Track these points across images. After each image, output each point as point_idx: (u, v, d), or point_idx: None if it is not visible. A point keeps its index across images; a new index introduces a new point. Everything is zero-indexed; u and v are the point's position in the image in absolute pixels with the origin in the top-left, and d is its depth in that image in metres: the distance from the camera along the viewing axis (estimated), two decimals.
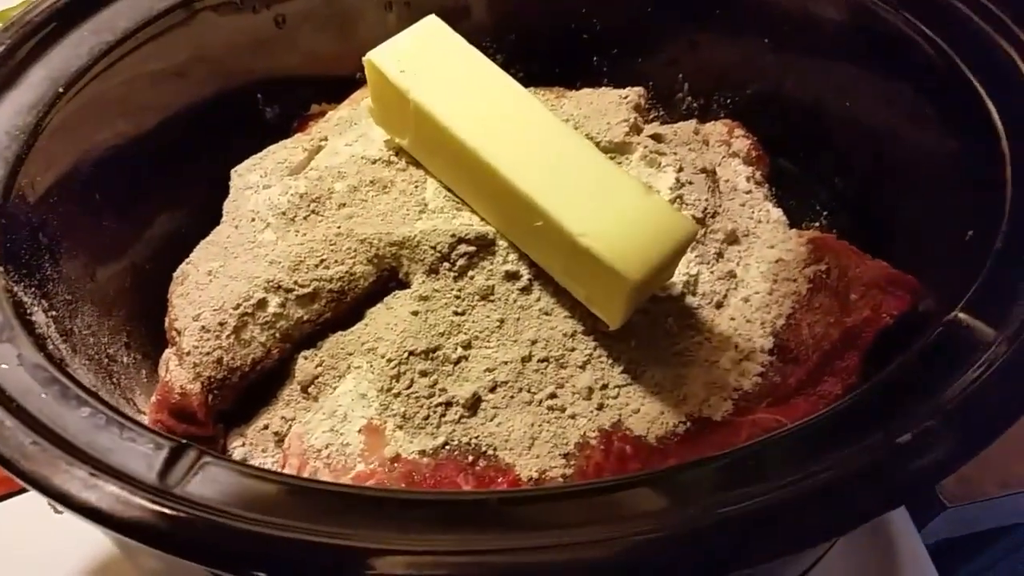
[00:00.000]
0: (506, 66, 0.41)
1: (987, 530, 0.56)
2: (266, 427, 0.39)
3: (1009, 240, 0.35)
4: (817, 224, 0.50)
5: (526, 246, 0.39)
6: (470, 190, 0.40)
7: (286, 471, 0.36)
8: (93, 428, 0.28)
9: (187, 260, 0.42)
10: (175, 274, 0.41)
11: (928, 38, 0.42)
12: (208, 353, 0.37)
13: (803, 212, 0.50)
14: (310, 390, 0.39)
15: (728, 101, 0.52)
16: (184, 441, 0.28)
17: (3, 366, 0.30)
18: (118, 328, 0.41)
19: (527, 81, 0.42)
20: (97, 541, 0.50)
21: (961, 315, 0.32)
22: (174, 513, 0.26)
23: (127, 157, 0.43)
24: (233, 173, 0.44)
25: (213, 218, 0.44)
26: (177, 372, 0.38)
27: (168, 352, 0.39)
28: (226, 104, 0.47)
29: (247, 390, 0.39)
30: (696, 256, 0.42)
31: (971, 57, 0.40)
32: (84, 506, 0.26)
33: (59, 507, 0.26)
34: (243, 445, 0.39)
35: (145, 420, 0.38)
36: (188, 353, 0.38)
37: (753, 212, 0.45)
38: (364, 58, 0.39)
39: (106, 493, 0.26)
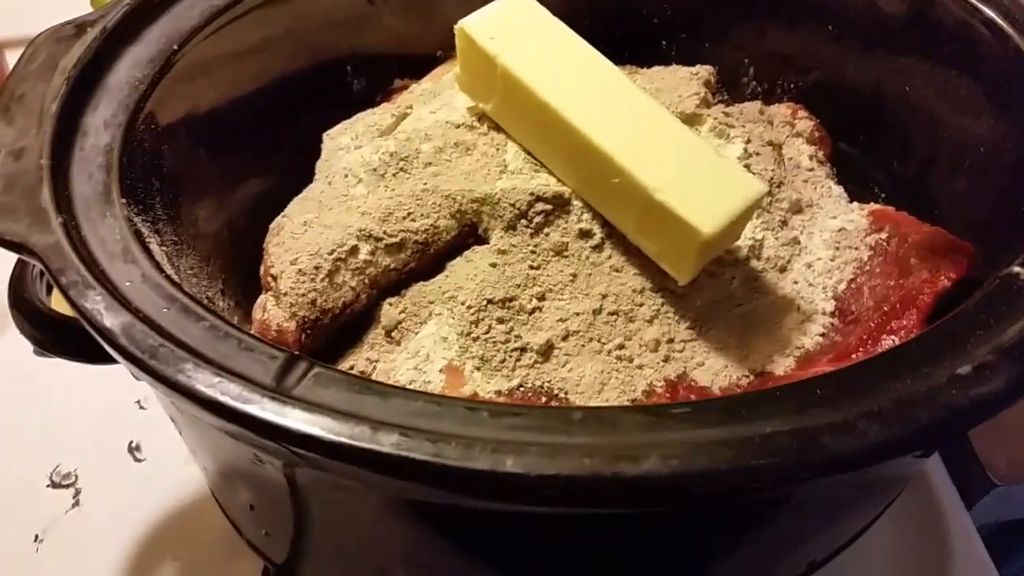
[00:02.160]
0: None
1: None
2: (352, 367, 0.41)
3: None
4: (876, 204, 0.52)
5: (601, 205, 0.42)
6: (550, 152, 0.43)
7: None
8: (214, 338, 0.31)
9: (283, 213, 0.44)
10: (271, 226, 0.44)
11: (986, 21, 0.44)
12: (303, 294, 0.40)
13: (861, 194, 0.52)
14: (393, 334, 0.41)
15: (791, 86, 0.54)
16: (295, 353, 0.31)
17: (127, 283, 0.33)
18: (215, 275, 0.44)
19: None
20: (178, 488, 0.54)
21: (1016, 268, 0.34)
22: (292, 409, 0.28)
23: (227, 117, 0.46)
24: (325, 136, 0.47)
25: (301, 181, 0.47)
26: (274, 311, 0.40)
27: (264, 296, 0.42)
28: (318, 75, 0.50)
29: (336, 332, 0.42)
30: (761, 223, 0.44)
31: None
32: (211, 401, 0.28)
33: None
34: None
35: None
36: (285, 294, 0.40)
37: (816, 187, 0.47)
38: (456, 25, 0.42)
39: (230, 391, 0.28)
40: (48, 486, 0.55)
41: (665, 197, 0.38)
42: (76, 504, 0.54)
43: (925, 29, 0.47)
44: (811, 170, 0.48)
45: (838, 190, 0.48)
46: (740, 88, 0.56)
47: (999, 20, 0.43)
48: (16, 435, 0.57)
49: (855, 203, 0.47)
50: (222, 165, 0.46)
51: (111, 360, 0.33)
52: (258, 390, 0.29)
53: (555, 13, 0.44)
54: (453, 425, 0.28)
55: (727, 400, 0.29)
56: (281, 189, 0.47)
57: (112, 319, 0.30)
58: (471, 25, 0.42)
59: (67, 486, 0.55)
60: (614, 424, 0.28)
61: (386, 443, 0.27)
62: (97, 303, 0.31)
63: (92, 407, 0.58)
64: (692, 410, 0.29)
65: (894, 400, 0.28)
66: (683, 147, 0.40)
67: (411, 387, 0.38)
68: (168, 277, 0.34)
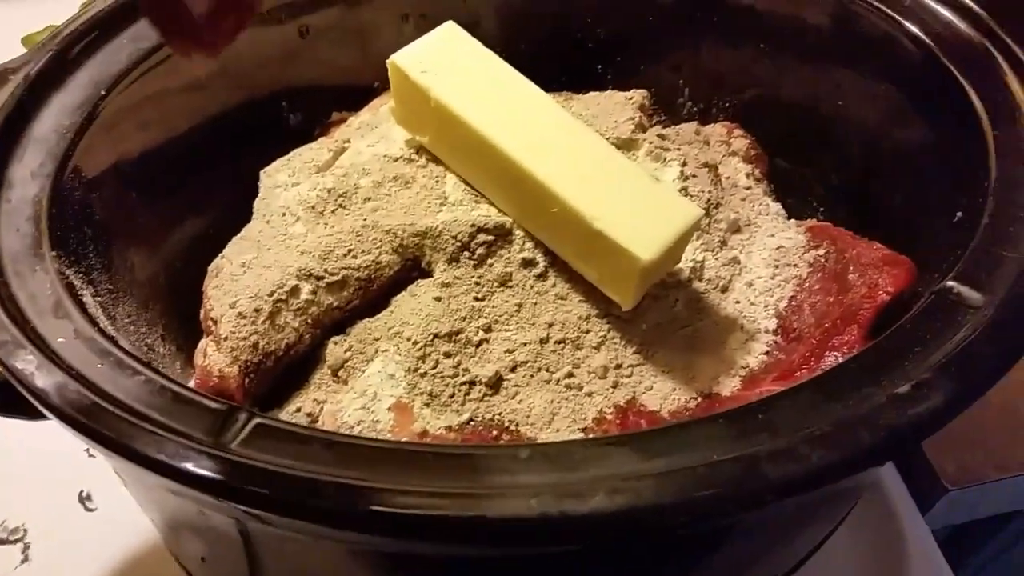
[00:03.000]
0: None
1: (992, 517, 0.58)
2: (299, 409, 0.41)
3: (993, 217, 0.37)
4: (814, 219, 0.52)
5: (542, 234, 0.42)
6: (488, 183, 0.43)
7: None
8: (149, 393, 0.30)
9: (220, 255, 0.44)
10: (209, 268, 0.43)
11: (909, 35, 0.45)
12: (244, 338, 0.39)
13: (800, 208, 0.53)
14: (340, 373, 0.41)
15: (727, 104, 0.55)
16: (234, 404, 0.30)
17: (60, 339, 0.32)
18: (154, 320, 0.43)
19: None
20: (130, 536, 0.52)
21: (950, 283, 0.35)
22: (233, 465, 0.28)
23: (160, 160, 0.45)
24: (262, 174, 0.46)
25: (239, 219, 0.47)
26: (215, 356, 0.40)
27: (204, 341, 0.41)
28: (253, 111, 0.50)
29: (281, 374, 0.41)
30: (701, 244, 0.44)
31: (949, 49, 0.43)
32: (149, 460, 0.28)
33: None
34: None
35: None
36: (225, 338, 0.40)
37: (754, 206, 0.48)
38: (388, 60, 0.42)
39: (167, 449, 0.28)
40: None
41: (603, 225, 0.38)
42: (25, 559, 0.52)
43: (853, 44, 0.48)
44: (748, 188, 0.49)
45: (776, 207, 0.49)
46: (676, 109, 0.56)
47: (920, 34, 0.45)
48: None
49: (793, 220, 0.47)
50: (157, 209, 0.45)
51: (44, 416, 0.32)
52: (195, 446, 0.28)
53: (490, 39, 0.44)
54: (394, 473, 0.28)
55: (670, 429, 0.29)
56: (219, 229, 0.47)
57: (44, 379, 0.30)
58: (403, 59, 0.42)
59: (15, 541, 0.53)
60: (560, 460, 0.28)
61: (325, 495, 0.27)
62: (28, 363, 0.30)
63: (38, 457, 0.56)
64: (637, 441, 0.29)
65: (835, 423, 0.29)
66: (619, 174, 0.40)
67: (359, 427, 0.38)
68: (102, 331, 0.33)
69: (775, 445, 0.28)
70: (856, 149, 0.50)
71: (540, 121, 0.41)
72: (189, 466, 0.28)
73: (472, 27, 0.45)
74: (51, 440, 0.55)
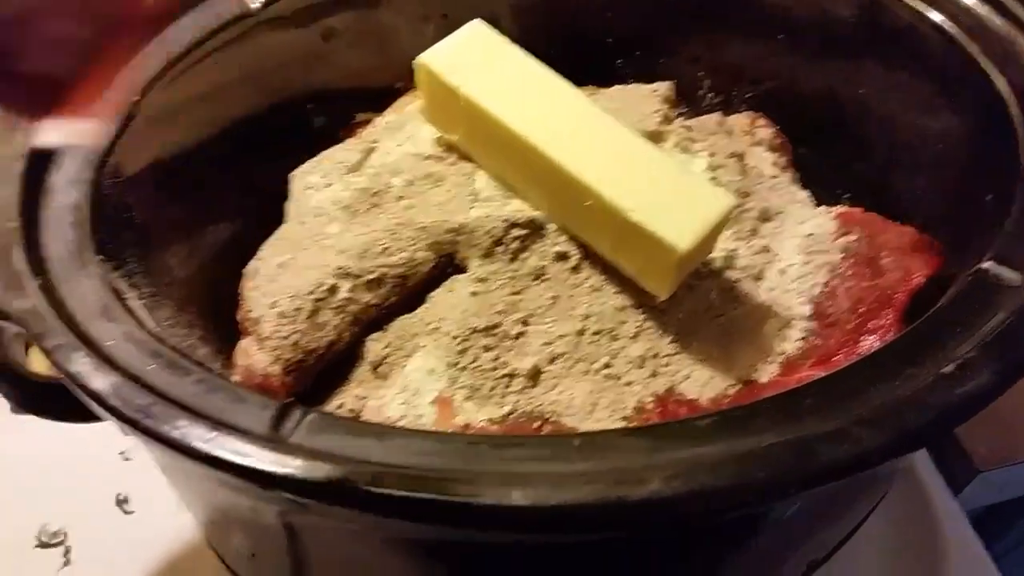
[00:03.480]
0: None
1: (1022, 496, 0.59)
2: (340, 406, 0.41)
3: None
4: (842, 206, 0.53)
5: (575, 227, 0.42)
6: (520, 178, 0.43)
7: None
8: (204, 392, 0.30)
9: (256, 256, 0.44)
10: (245, 270, 0.44)
11: (933, 24, 0.45)
12: (286, 337, 0.40)
13: (826, 197, 0.53)
14: (380, 369, 0.41)
15: (748, 95, 0.55)
16: (288, 400, 0.30)
17: (111, 342, 0.32)
18: (193, 323, 0.43)
19: None
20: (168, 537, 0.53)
21: (987, 264, 0.35)
22: (291, 458, 0.28)
23: (192, 163, 0.46)
24: (292, 177, 0.47)
25: (270, 222, 0.47)
26: (258, 356, 0.40)
27: (246, 340, 0.42)
28: (278, 115, 0.50)
29: (322, 372, 0.42)
30: (732, 233, 0.44)
31: (972, 36, 0.43)
32: (209, 457, 0.28)
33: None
34: None
35: None
36: (267, 338, 0.40)
37: (781, 194, 0.48)
38: (415, 60, 0.42)
39: (227, 444, 0.28)
40: (37, 546, 0.54)
41: (639, 217, 0.38)
42: (67, 563, 0.53)
43: (874, 34, 0.49)
44: (775, 177, 0.49)
45: (803, 195, 0.49)
46: (698, 100, 0.56)
47: (945, 23, 0.45)
48: None
49: (822, 207, 0.48)
50: (190, 211, 0.46)
51: (96, 419, 0.32)
52: (255, 441, 0.28)
53: (510, 38, 0.45)
54: (455, 461, 0.28)
55: (721, 415, 0.30)
56: (251, 231, 0.47)
57: (101, 380, 0.30)
58: (431, 59, 0.42)
59: (56, 544, 0.54)
60: (613, 448, 0.28)
61: (389, 484, 0.27)
62: (84, 365, 0.30)
63: (76, 461, 0.57)
64: (688, 428, 0.29)
65: (884, 404, 0.29)
66: (651, 165, 0.40)
67: (403, 422, 0.38)
68: (150, 332, 0.33)
69: (827, 427, 0.29)
70: (878, 137, 0.50)
71: (570, 115, 0.42)
72: (250, 461, 0.28)
73: (492, 26, 0.45)
74: (87, 444, 0.56)
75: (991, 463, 0.53)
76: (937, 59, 0.45)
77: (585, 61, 0.56)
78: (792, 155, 0.53)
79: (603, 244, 0.41)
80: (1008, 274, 0.34)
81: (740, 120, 0.53)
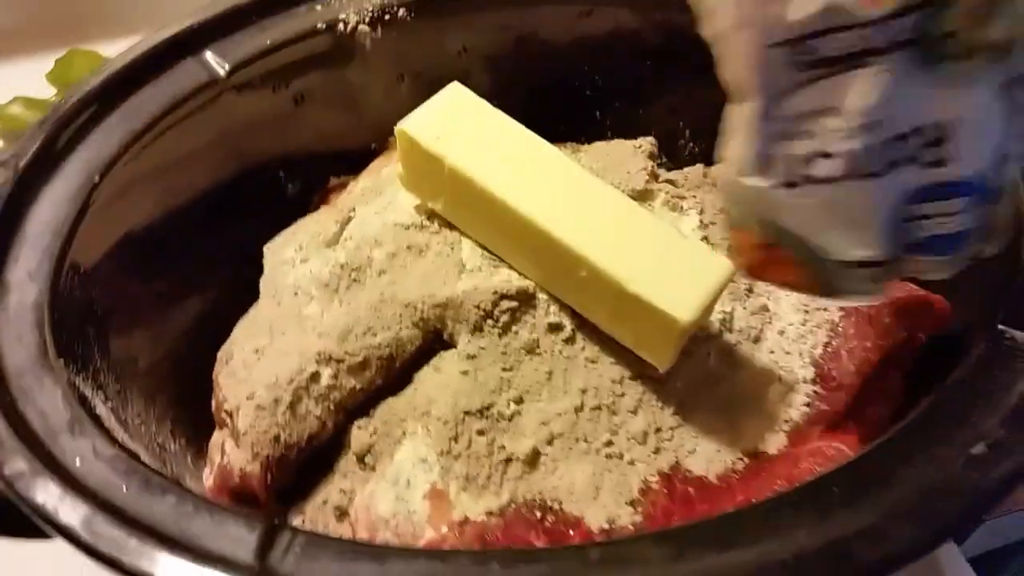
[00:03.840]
0: None
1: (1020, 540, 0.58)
2: (325, 502, 0.38)
3: None
4: None
5: (567, 297, 0.40)
6: (507, 247, 0.41)
7: None
8: (183, 516, 0.28)
9: (230, 340, 0.42)
10: (219, 355, 0.41)
11: None
12: (264, 431, 0.37)
13: None
14: (366, 460, 0.39)
15: None
16: (275, 521, 0.28)
17: (78, 462, 0.30)
18: (163, 415, 0.41)
19: None
20: None
21: (1002, 327, 0.34)
22: None
23: (158, 240, 0.43)
24: (266, 250, 0.44)
25: (242, 296, 0.45)
26: (235, 454, 0.37)
27: (219, 434, 0.39)
28: (249, 181, 0.48)
29: (304, 465, 0.39)
30: (728, 294, 0.43)
31: None
32: None
33: None
34: (303, 523, 0.39)
35: None
36: (244, 433, 0.37)
37: None
38: (397, 127, 0.40)
39: None
40: None
41: (637, 288, 0.36)
42: None
43: None
44: None
45: None
46: (679, 151, 0.55)
47: None
48: None
49: None
50: (156, 291, 0.43)
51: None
52: (242, 574, 0.26)
53: (485, 92, 0.43)
54: None
55: (748, 513, 0.28)
56: (222, 308, 0.45)
57: (69, 513, 0.27)
58: (412, 126, 0.40)
59: None
60: (635, 561, 0.26)
61: None
62: (49, 495, 0.28)
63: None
64: (712, 530, 0.27)
65: (918, 493, 0.27)
66: (644, 231, 0.39)
67: (395, 520, 0.36)
68: (121, 445, 0.31)
69: (859, 524, 0.27)
70: None
71: (558, 181, 0.40)
72: None
73: (466, 81, 0.43)
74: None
75: (998, 511, 0.51)
76: None
77: (563, 113, 0.55)
78: None
79: (598, 315, 0.39)
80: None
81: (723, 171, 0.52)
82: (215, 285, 0.46)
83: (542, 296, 0.41)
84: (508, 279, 0.41)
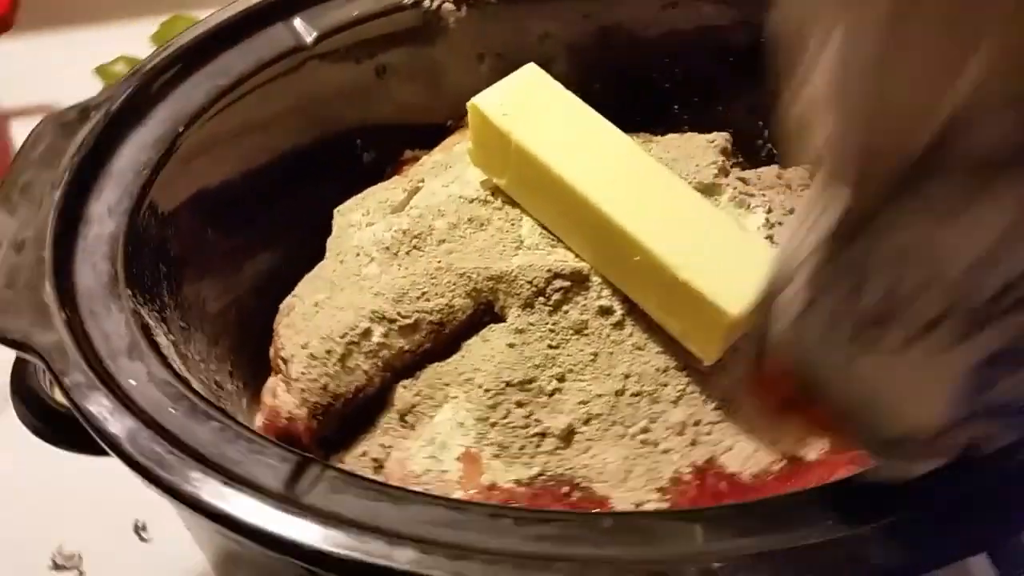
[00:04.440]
0: None
1: None
2: (364, 454, 0.40)
3: None
4: None
5: (621, 281, 0.40)
6: (566, 227, 0.41)
7: None
8: (223, 441, 0.30)
9: (293, 293, 0.43)
10: (281, 306, 0.43)
11: None
12: (315, 380, 0.39)
13: None
14: (408, 418, 0.40)
15: None
16: (307, 455, 0.29)
17: (133, 382, 0.32)
18: (224, 356, 0.43)
19: None
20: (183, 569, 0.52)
21: None
22: (300, 520, 0.27)
23: (235, 195, 0.45)
24: (336, 213, 0.46)
25: (311, 256, 0.46)
26: (285, 398, 0.39)
27: (274, 379, 0.41)
28: (326, 148, 0.49)
29: (348, 417, 0.40)
30: None
31: None
32: (216, 513, 0.27)
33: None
34: None
35: None
36: (296, 380, 0.39)
37: None
38: (469, 103, 0.41)
39: (237, 501, 0.27)
40: (51, 567, 0.53)
41: (689, 276, 0.36)
42: None
43: None
44: None
45: None
46: (756, 150, 0.54)
47: None
48: (16, 514, 0.56)
49: None
50: (230, 244, 0.45)
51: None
52: (268, 499, 0.27)
53: (564, 79, 0.44)
54: (475, 536, 0.26)
55: (766, 503, 0.28)
56: (291, 265, 0.46)
57: (117, 424, 0.29)
58: (484, 102, 0.41)
59: (71, 568, 0.54)
60: (646, 532, 0.26)
61: (402, 560, 0.26)
62: (101, 407, 0.30)
63: (96, 485, 0.56)
64: (728, 515, 0.27)
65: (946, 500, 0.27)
66: (705, 222, 0.38)
67: (427, 477, 0.37)
68: (176, 373, 0.33)
69: (878, 521, 0.26)
70: None
71: (623, 167, 0.40)
72: (259, 522, 0.27)
73: (546, 66, 0.44)
74: (108, 468, 0.55)
75: None
76: None
77: (641, 104, 0.55)
78: None
79: (649, 301, 0.39)
80: None
81: (799, 173, 0.51)
82: (287, 244, 0.48)
83: (595, 279, 0.41)
84: (564, 259, 0.41)
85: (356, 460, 0.40)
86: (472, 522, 0.27)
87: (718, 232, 0.38)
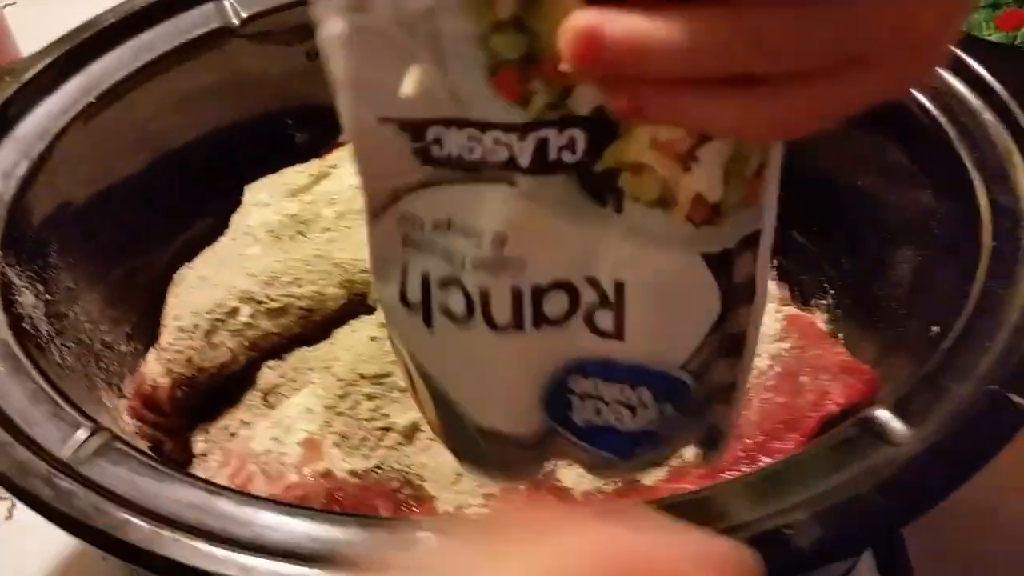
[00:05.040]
0: None
1: None
2: (226, 427, 0.41)
3: (959, 340, 0.33)
4: (825, 302, 0.49)
5: None
6: None
7: (227, 469, 0.39)
8: (31, 402, 0.31)
9: (188, 264, 0.45)
10: (175, 276, 0.45)
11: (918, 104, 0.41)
12: (180, 351, 0.41)
13: (813, 289, 0.49)
14: (270, 398, 0.41)
15: None
16: (104, 427, 0.31)
17: None
18: (121, 318, 0.45)
19: None
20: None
21: (879, 411, 0.31)
22: (66, 486, 0.28)
23: (153, 162, 0.47)
24: (246, 189, 0.47)
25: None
26: (152, 365, 0.41)
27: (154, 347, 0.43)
28: (256, 126, 0.51)
29: (218, 390, 0.42)
30: None
31: (962, 143, 0.39)
32: None
33: None
34: (204, 441, 0.42)
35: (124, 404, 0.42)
36: (164, 349, 0.41)
37: None
38: None
39: (13, 460, 0.29)
40: None
41: None
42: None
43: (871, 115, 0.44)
44: None
45: (771, 286, 0.46)
46: None
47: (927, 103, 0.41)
48: None
49: (773, 304, 0.44)
50: (145, 216, 0.47)
51: None
52: (42, 462, 0.29)
53: None
54: (227, 522, 0.28)
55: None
56: (210, 237, 0.48)
57: None
58: None
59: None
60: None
61: (136, 537, 0.27)
62: None
63: None
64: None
65: None
66: None
67: (266, 457, 0.38)
68: (19, 332, 0.35)
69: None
70: (869, 235, 0.46)
71: None
72: (30, 484, 0.28)
73: None
74: None
75: None
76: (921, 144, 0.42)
77: None
78: (781, 239, 0.49)
79: None
80: (897, 426, 0.31)
81: None
82: (209, 218, 0.49)
83: None
84: None
85: (219, 432, 0.42)
86: (221, 506, 0.28)
87: None
